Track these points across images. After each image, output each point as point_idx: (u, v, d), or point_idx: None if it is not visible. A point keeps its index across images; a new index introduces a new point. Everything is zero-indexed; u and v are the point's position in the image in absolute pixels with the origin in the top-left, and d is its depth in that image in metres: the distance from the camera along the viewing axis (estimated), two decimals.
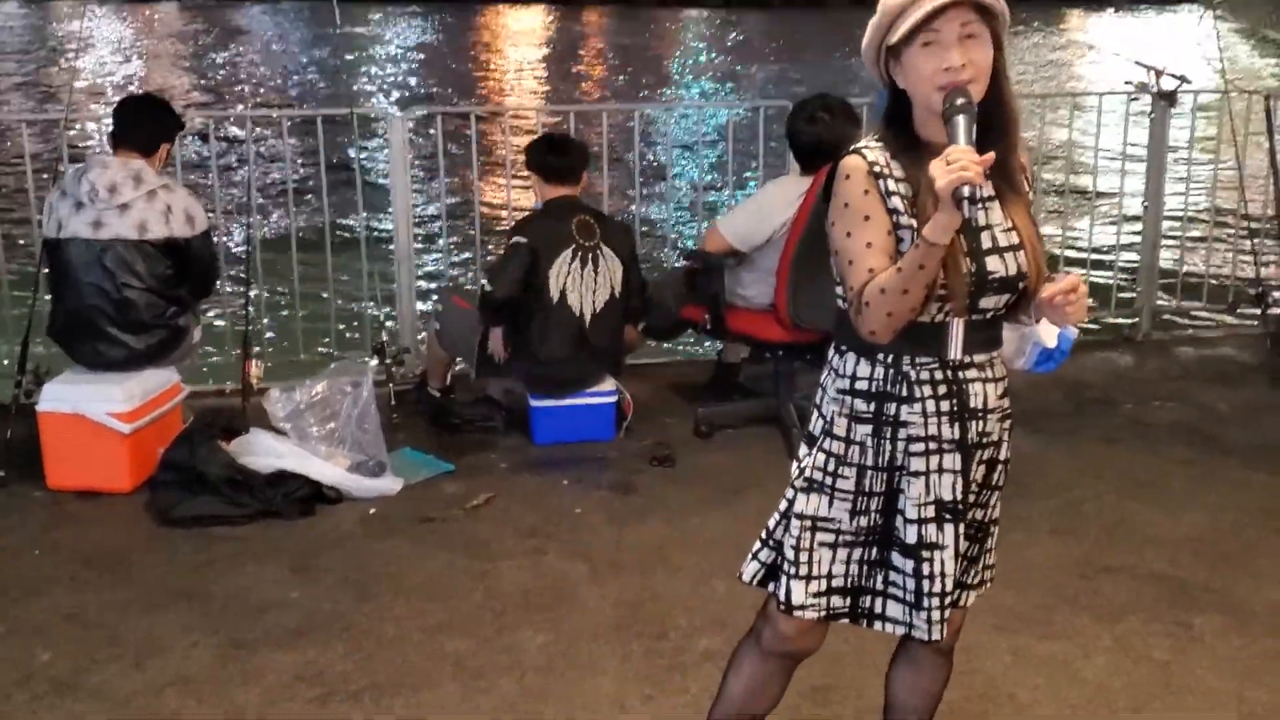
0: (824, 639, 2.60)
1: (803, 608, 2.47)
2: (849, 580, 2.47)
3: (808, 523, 2.44)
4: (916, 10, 2.21)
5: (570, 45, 29.34)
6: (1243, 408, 5.49)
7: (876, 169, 2.29)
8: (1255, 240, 6.36)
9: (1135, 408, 5.50)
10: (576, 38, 31.42)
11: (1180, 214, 7.30)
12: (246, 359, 5.04)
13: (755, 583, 2.58)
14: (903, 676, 2.70)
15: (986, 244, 2.30)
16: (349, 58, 25.52)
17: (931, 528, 2.38)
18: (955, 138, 2.16)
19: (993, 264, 2.30)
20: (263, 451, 4.56)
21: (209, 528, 4.34)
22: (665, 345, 6.21)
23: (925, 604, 2.40)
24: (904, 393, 2.35)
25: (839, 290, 2.37)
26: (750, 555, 2.59)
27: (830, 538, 2.44)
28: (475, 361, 5.14)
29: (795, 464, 2.52)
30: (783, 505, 2.52)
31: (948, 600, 2.41)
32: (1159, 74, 6.23)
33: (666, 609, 3.82)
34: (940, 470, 2.37)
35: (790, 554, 2.48)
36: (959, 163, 2.09)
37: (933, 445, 2.36)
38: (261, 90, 21.10)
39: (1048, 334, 2.32)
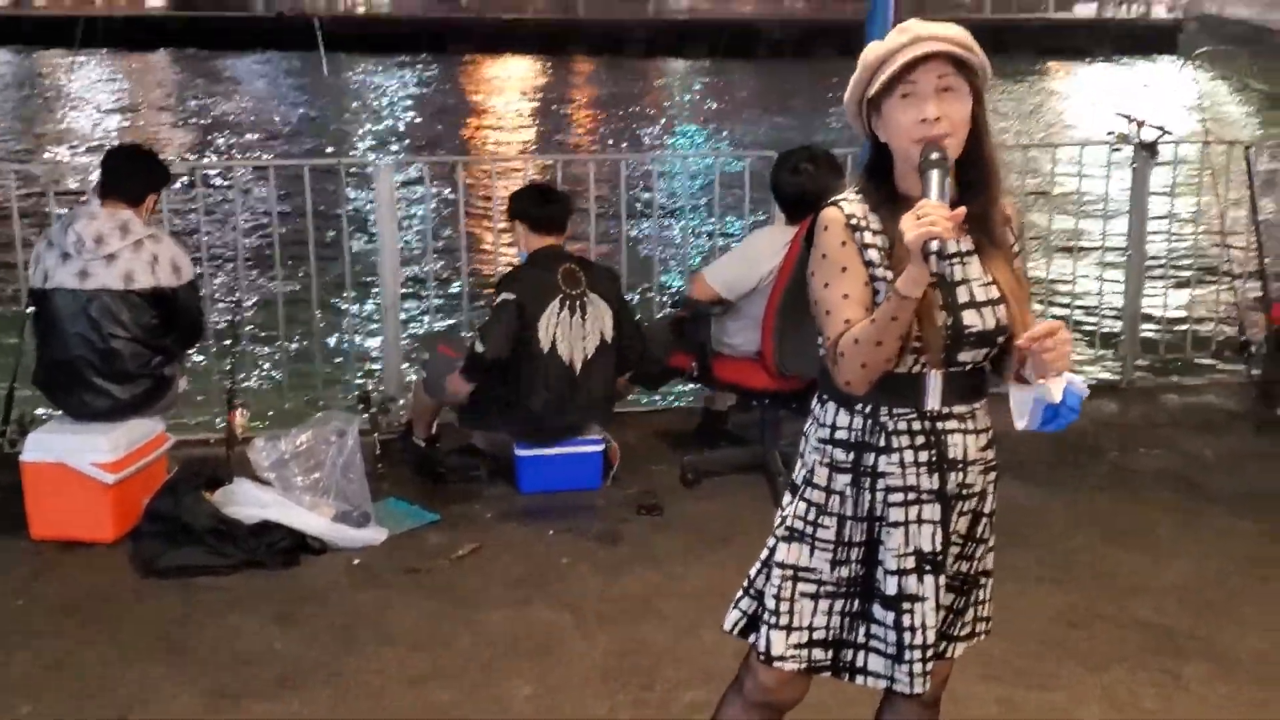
0: (806, 690, 2.59)
1: (782, 659, 2.46)
2: (830, 633, 2.46)
3: (789, 572, 2.44)
4: (894, 62, 2.25)
5: (559, 95, 29.52)
6: (1228, 455, 5.51)
7: (854, 221, 2.32)
8: (1237, 289, 6.40)
9: (1121, 455, 5.51)
10: (565, 87, 31.60)
11: (1164, 262, 7.37)
12: (232, 408, 5.03)
13: (736, 632, 2.59)
14: None
15: (964, 298, 2.32)
16: (337, 107, 25.63)
17: (911, 579, 2.38)
18: (928, 192, 2.19)
19: (970, 318, 2.31)
20: (247, 501, 4.54)
21: (193, 578, 4.32)
22: (652, 393, 6.21)
23: (907, 657, 2.39)
24: (882, 443, 2.37)
25: (820, 340, 2.38)
26: (733, 604, 2.59)
27: (812, 588, 2.44)
28: (465, 411, 5.13)
29: (779, 512, 2.52)
30: (764, 553, 2.52)
31: (929, 653, 2.40)
32: (1140, 124, 6.30)
33: (653, 660, 3.80)
34: (920, 521, 2.37)
35: (771, 603, 2.47)
36: (928, 217, 2.12)
37: (911, 496, 2.37)
38: (250, 139, 21.16)
39: (1055, 389, 2.28)
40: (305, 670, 3.76)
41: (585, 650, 3.87)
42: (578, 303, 4.98)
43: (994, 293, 2.34)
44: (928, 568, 2.38)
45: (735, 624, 2.58)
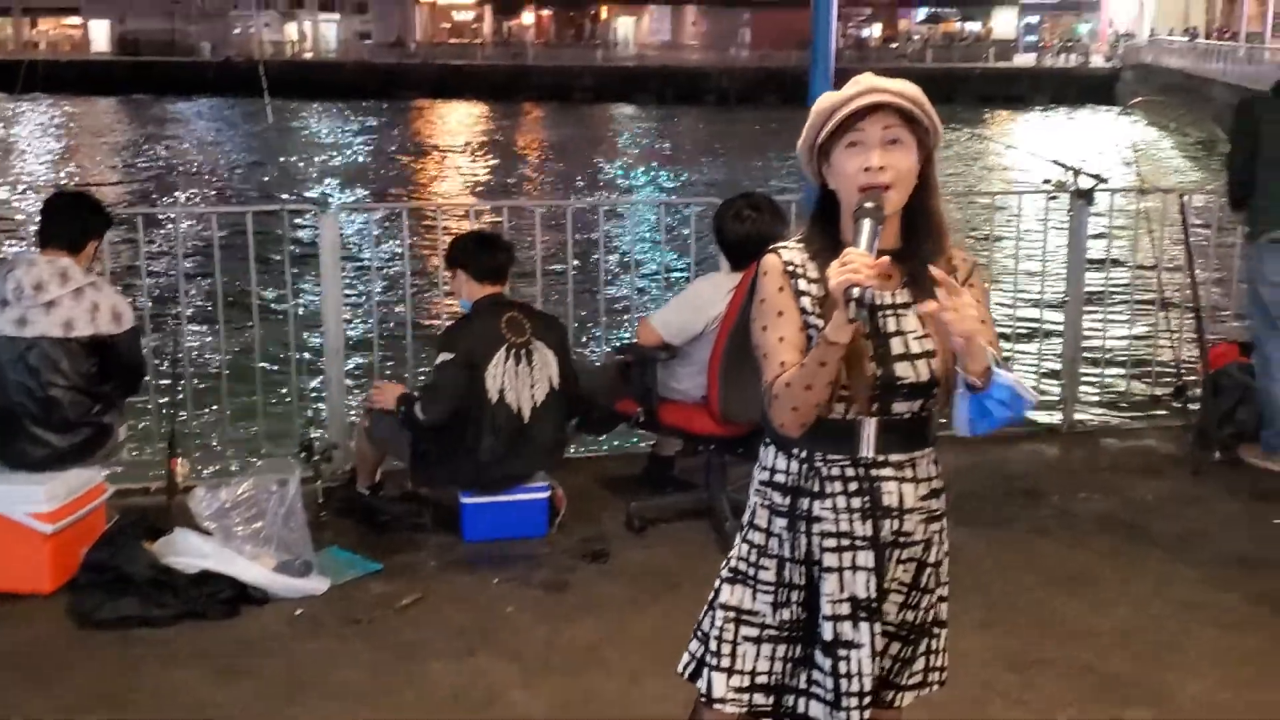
0: None
1: (722, 701, 2.47)
2: (773, 678, 2.47)
3: (731, 614, 2.48)
4: (844, 110, 2.32)
5: (506, 140, 29.60)
6: (1167, 499, 5.58)
7: (791, 268, 2.39)
8: (1173, 335, 6.49)
9: (1062, 499, 5.56)
10: (512, 132, 31.70)
11: (1100, 308, 7.48)
12: (172, 457, 4.97)
13: (687, 675, 2.58)
14: None
15: (898, 349, 2.36)
16: (283, 153, 25.57)
17: (846, 625, 2.40)
18: (857, 240, 2.24)
19: (902, 369, 2.35)
20: (187, 551, 4.49)
21: (132, 630, 4.24)
22: (598, 439, 6.20)
23: (844, 704, 2.41)
24: (816, 488, 2.41)
25: (762, 383, 2.42)
26: (688, 651, 2.61)
27: (754, 631, 2.47)
28: (411, 465, 5.09)
29: (729, 554, 2.56)
30: (711, 595, 2.56)
31: (865, 700, 2.41)
32: (1077, 173, 6.41)
33: (600, 709, 3.78)
34: (854, 567, 2.40)
35: (714, 645, 2.49)
36: (851, 264, 2.17)
37: (845, 541, 2.40)
38: (195, 185, 21.05)
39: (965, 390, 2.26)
40: None
41: (530, 701, 3.84)
42: (523, 351, 4.97)
43: (928, 345, 2.37)
44: (863, 614, 2.40)
45: (685, 666, 2.59)
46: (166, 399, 5.47)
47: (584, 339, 8.68)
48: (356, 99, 37.61)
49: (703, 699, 2.50)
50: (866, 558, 2.40)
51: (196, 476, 5.20)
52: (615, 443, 6.61)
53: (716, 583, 2.53)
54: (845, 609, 2.40)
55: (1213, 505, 5.51)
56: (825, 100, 2.37)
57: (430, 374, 5.03)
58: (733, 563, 2.51)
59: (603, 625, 4.33)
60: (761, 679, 2.47)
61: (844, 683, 2.40)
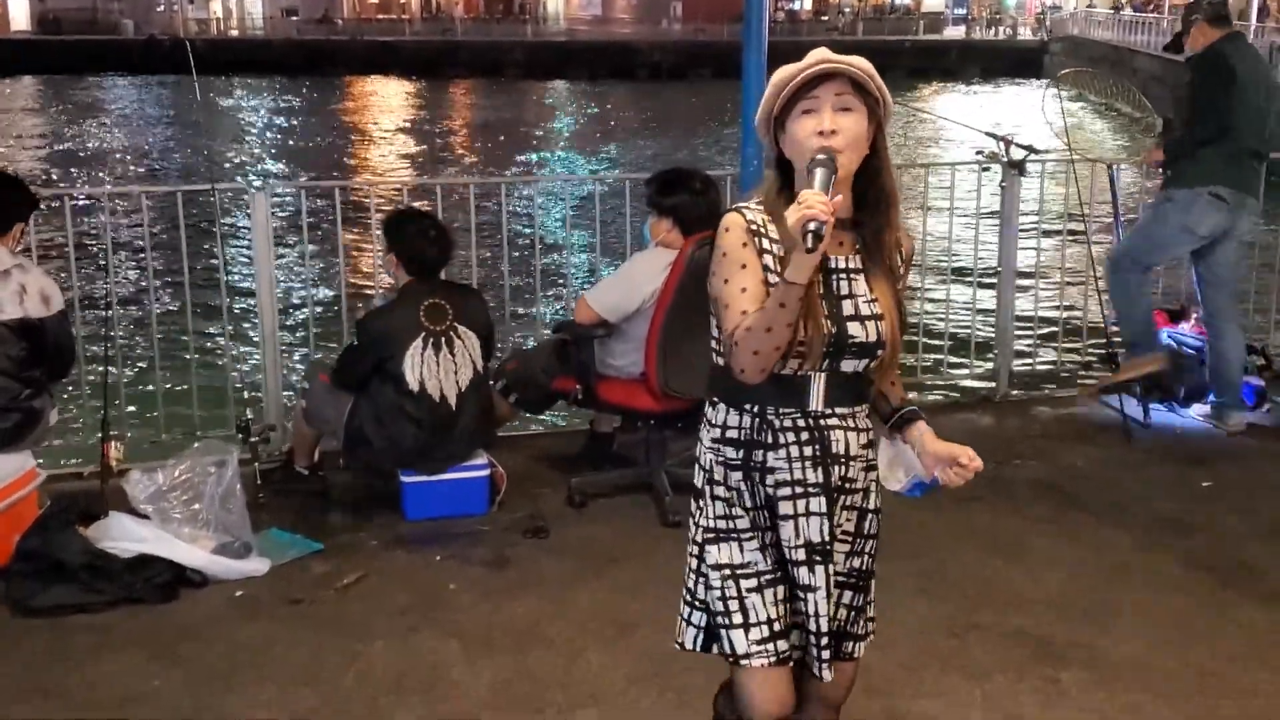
0: (790, 694, 2.60)
1: (748, 656, 2.54)
2: (784, 621, 2.57)
3: (726, 571, 2.56)
4: (799, 77, 2.44)
5: (436, 117, 29.37)
6: (1099, 465, 5.67)
7: (754, 227, 2.49)
8: (1105, 303, 6.60)
9: (997, 467, 5.63)
10: (443, 109, 31.46)
11: (1032, 274, 7.59)
12: (105, 440, 4.90)
13: (698, 648, 2.66)
14: None
15: (849, 311, 2.50)
16: (211, 131, 25.21)
17: (804, 570, 2.54)
18: (811, 184, 2.35)
19: (853, 329, 2.49)
20: (123, 536, 4.43)
21: (68, 617, 4.19)
22: (537, 417, 6.20)
23: (807, 642, 2.56)
24: (770, 440, 2.53)
25: (715, 339, 2.55)
26: (682, 621, 2.68)
27: (754, 582, 2.56)
28: (344, 443, 5.06)
29: (691, 521, 2.65)
30: (692, 563, 2.63)
31: (825, 640, 2.54)
32: (1008, 144, 6.48)
33: (542, 685, 3.79)
34: (808, 514, 2.53)
35: (720, 606, 2.57)
36: (807, 203, 2.28)
37: (799, 489, 2.53)
38: (121, 165, 20.71)
39: (923, 471, 2.60)
40: (186, 710, 3.67)
41: (473, 678, 3.84)
42: (443, 338, 4.94)
43: (876, 309, 2.51)
44: (818, 558, 2.53)
45: (695, 640, 2.66)
46: (98, 380, 5.37)
47: (520, 310, 8.66)
48: (284, 76, 37.13)
49: (731, 659, 2.57)
50: (819, 503, 2.52)
51: (131, 460, 5.12)
52: (554, 420, 6.62)
53: (695, 550, 2.61)
54: (801, 554, 2.53)
55: (1144, 470, 5.62)
56: (781, 72, 2.48)
57: (340, 354, 5.11)
58: (706, 524, 2.59)
59: (544, 601, 4.34)
60: (778, 625, 2.56)
61: (806, 621, 2.54)
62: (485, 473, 5.10)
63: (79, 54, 40.13)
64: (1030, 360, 7.32)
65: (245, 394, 5.68)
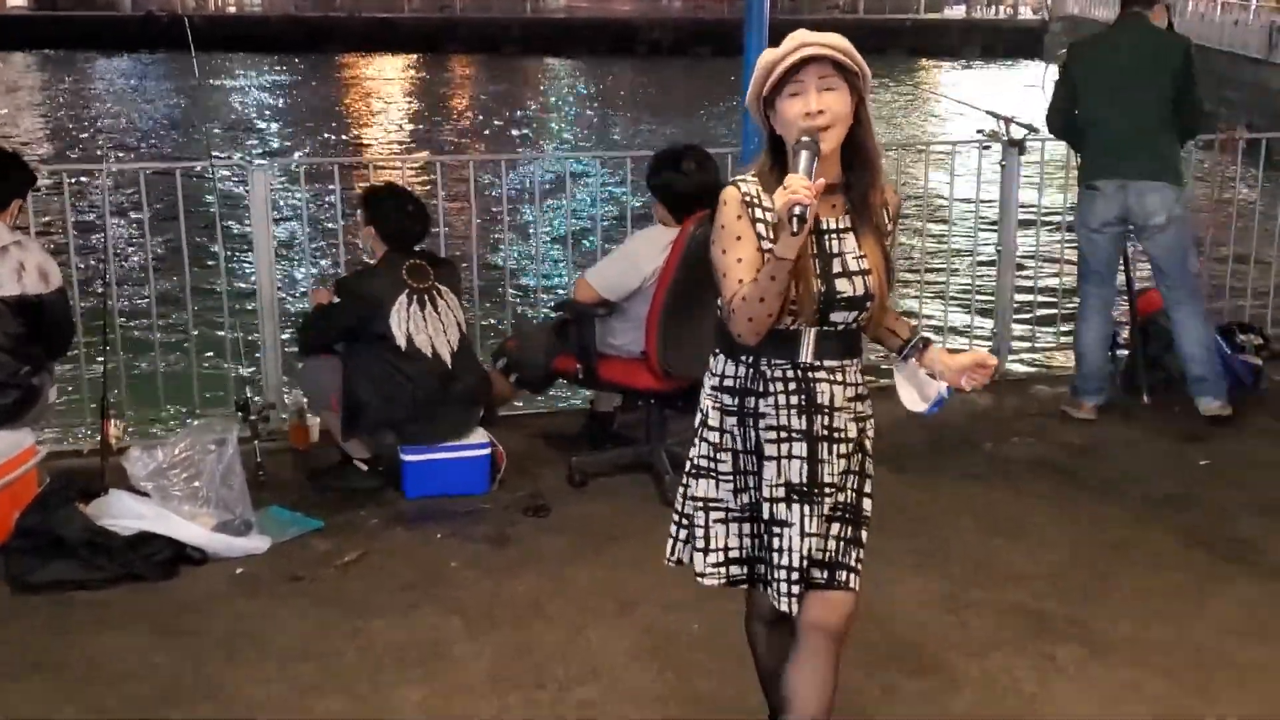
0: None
1: (702, 575, 2.89)
2: (744, 551, 2.88)
3: (700, 503, 2.87)
4: (783, 64, 2.65)
5: (435, 94, 29.29)
6: (1097, 443, 5.68)
7: (748, 199, 2.72)
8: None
9: (995, 445, 5.64)
10: (441, 86, 31.36)
11: (1033, 256, 7.58)
12: (105, 418, 4.91)
13: (677, 560, 2.98)
14: (789, 668, 2.88)
15: (837, 268, 2.73)
16: (209, 108, 25.13)
17: (781, 506, 2.77)
18: (795, 167, 2.58)
19: (842, 285, 2.72)
20: (123, 513, 4.44)
21: (67, 593, 4.20)
22: (538, 396, 6.20)
23: (775, 575, 2.79)
24: (761, 388, 2.78)
25: (718, 303, 2.76)
26: (671, 539, 2.98)
27: (721, 515, 2.86)
28: (342, 415, 5.06)
29: (687, 458, 2.92)
30: (683, 490, 2.93)
31: (794, 575, 2.76)
32: (1008, 123, 6.46)
33: (543, 660, 3.81)
34: (790, 456, 2.77)
35: (690, 531, 2.91)
36: (792, 188, 2.51)
37: (783, 434, 2.77)
38: (119, 142, 20.67)
39: (942, 385, 2.87)
40: (186, 685, 3.68)
41: (474, 654, 3.86)
42: (427, 296, 4.96)
43: (865, 264, 2.74)
44: (795, 498, 2.76)
45: (673, 550, 2.98)
46: (98, 357, 5.37)
47: (524, 287, 8.65)
48: (283, 53, 36.99)
49: (697, 575, 2.89)
50: (801, 448, 2.76)
51: (131, 437, 5.13)
52: (555, 399, 6.62)
53: (684, 479, 2.91)
54: (781, 492, 2.77)
55: (1141, 448, 5.63)
56: (765, 57, 2.69)
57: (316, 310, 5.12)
58: (695, 461, 2.87)
59: (545, 579, 4.35)
60: (734, 553, 2.87)
61: (776, 556, 2.78)
62: (485, 451, 5.10)
63: (75, 30, 39.95)
64: (1030, 339, 7.32)
65: (245, 372, 5.66)
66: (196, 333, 6.06)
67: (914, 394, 2.91)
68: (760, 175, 2.74)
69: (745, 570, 2.89)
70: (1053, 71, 7.02)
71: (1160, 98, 5.63)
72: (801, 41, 2.65)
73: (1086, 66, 5.76)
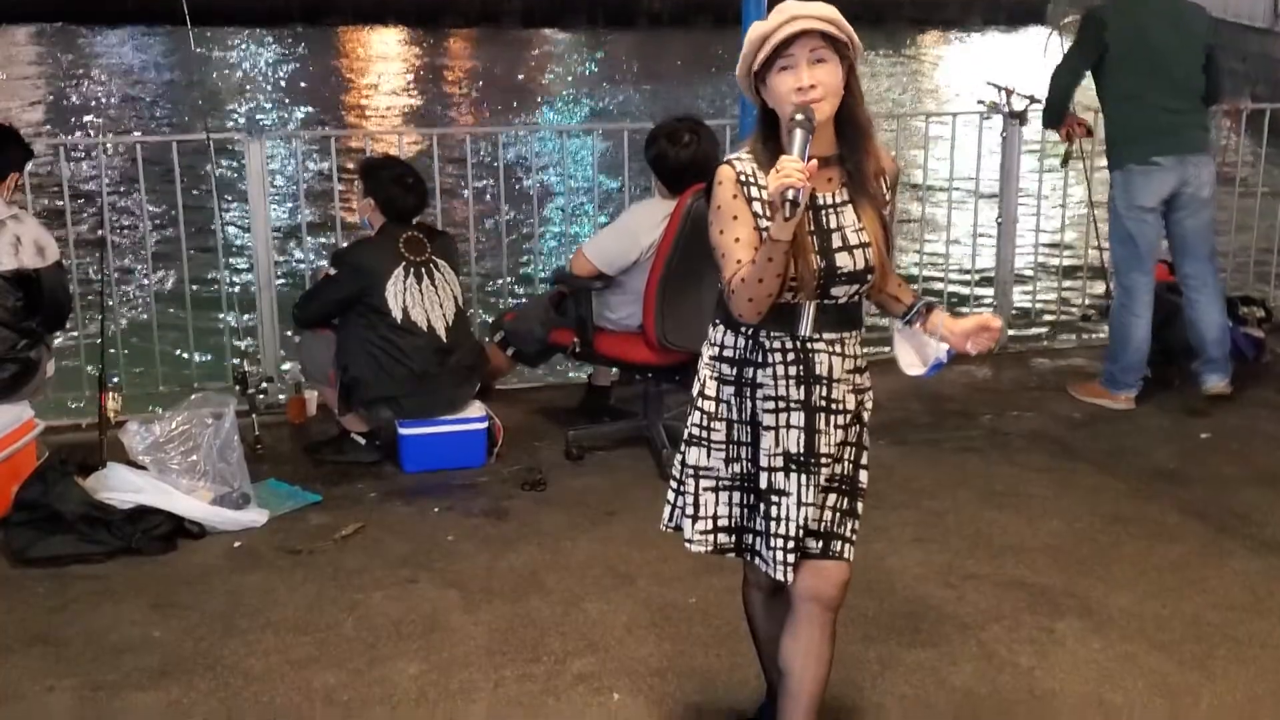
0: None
1: (690, 541, 2.90)
2: (732, 520, 2.89)
3: (690, 471, 2.88)
4: (773, 39, 2.61)
5: (433, 67, 29.16)
6: (1096, 416, 5.67)
7: (743, 178, 2.69)
8: (1104, 254, 6.56)
9: (994, 418, 5.64)
10: (440, 59, 31.23)
11: (1033, 230, 7.55)
12: (103, 391, 4.90)
13: (673, 527, 2.96)
14: (785, 639, 2.90)
15: (837, 243, 2.71)
16: (206, 81, 25.04)
17: (779, 475, 2.77)
18: (789, 148, 2.53)
19: (842, 259, 2.70)
20: (121, 486, 4.44)
21: (66, 567, 4.21)
22: (535, 370, 6.18)
23: (771, 544, 2.79)
24: (760, 359, 2.77)
25: (720, 281, 2.74)
26: (667, 504, 2.97)
27: (711, 483, 2.87)
28: (340, 388, 5.05)
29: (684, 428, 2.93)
30: (680, 458, 2.92)
31: (790, 544, 2.77)
32: (1010, 93, 6.42)
33: (539, 633, 3.81)
34: (788, 426, 2.77)
35: (682, 498, 2.92)
36: (784, 170, 2.46)
37: (781, 404, 2.76)
38: (117, 116, 20.59)
39: (942, 349, 2.87)
40: (185, 658, 3.69)
41: (471, 626, 3.86)
42: (424, 269, 4.95)
43: (864, 237, 2.72)
44: (793, 467, 2.77)
45: (670, 516, 2.97)
46: (96, 331, 5.37)
47: (525, 259, 8.61)
48: (279, 26, 36.83)
49: (686, 542, 2.91)
50: (799, 418, 2.76)
51: (128, 411, 5.12)
52: (552, 373, 6.60)
53: (682, 447, 2.91)
54: (779, 461, 2.76)
55: (1141, 421, 5.62)
56: (755, 30, 2.64)
57: (311, 285, 5.11)
58: (690, 429, 2.87)
59: (541, 552, 4.35)
60: (722, 521, 2.88)
61: (774, 524, 2.77)
62: (483, 425, 5.10)
63: (73, 4, 39.80)
64: (1029, 312, 7.31)
65: (242, 345, 5.65)
66: (194, 306, 6.04)
67: (913, 355, 2.91)
68: (754, 151, 2.71)
69: (733, 539, 2.90)
70: (1055, 39, 6.96)
71: (1198, 69, 5.62)
72: (790, 15, 2.61)
73: (1119, 41, 5.59)
